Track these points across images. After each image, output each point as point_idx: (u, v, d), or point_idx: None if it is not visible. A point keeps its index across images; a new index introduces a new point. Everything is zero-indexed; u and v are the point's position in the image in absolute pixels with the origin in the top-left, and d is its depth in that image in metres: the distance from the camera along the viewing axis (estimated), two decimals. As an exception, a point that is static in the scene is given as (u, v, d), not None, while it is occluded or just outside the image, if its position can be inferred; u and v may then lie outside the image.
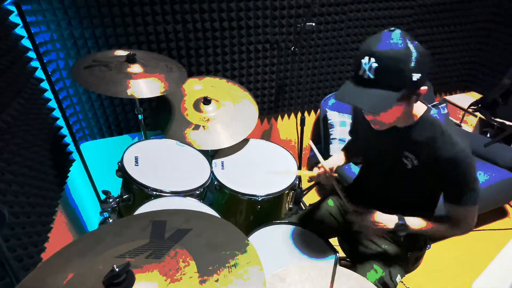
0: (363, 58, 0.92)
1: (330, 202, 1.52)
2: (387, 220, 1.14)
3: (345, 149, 1.48)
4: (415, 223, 1.14)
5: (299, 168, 2.01)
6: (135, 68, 1.46)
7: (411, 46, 0.90)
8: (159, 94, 1.42)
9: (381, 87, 0.91)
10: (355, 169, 2.15)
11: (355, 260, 1.36)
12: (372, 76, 0.91)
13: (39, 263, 1.23)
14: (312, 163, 2.69)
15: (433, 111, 1.08)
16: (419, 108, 1.07)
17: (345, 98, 0.97)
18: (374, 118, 1.05)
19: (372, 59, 0.90)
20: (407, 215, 1.16)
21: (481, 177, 2.13)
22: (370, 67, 0.91)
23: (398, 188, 1.22)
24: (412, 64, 0.89)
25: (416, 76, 0.91)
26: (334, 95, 2.37)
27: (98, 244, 0.80)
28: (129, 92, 1.37)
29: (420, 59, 0.90)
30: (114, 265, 0.64)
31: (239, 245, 0.77)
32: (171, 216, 0.88)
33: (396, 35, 0.91)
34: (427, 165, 1.07)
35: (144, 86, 1.41)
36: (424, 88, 0.96)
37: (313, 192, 2.67)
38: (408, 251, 1.31)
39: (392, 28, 0.93)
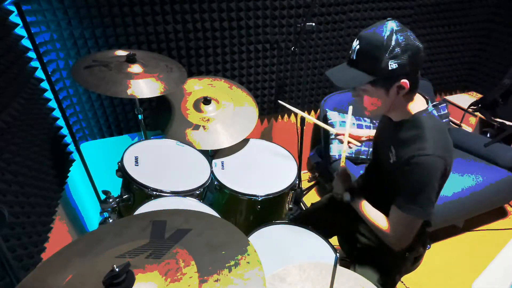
0: (355, 41, 1.01)
1: (330, 201, 1.53)
2: (341, 186, 1.28)
3: None
4: (368, 209, 1.19)
5: (300, 169, 2.01)
6: (135, 68, 1.46)
7: (395, 37, 0.94)
8: (159, 94, 1.42)
9: (358, 68, 1.00)
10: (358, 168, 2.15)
11: (355, 260, 1.36)
12: (354, 57, 1.01)
13: (39, 263, 1.23)
14: (312, 163, 2.69)
15: (427, 112, 1.07)
16: (415, 107, 1.07)
17: (330, 73, 1.07)
18: (358, 97, 1.09)
19: (358, 42, 0.99)
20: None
21: (481, 177, 2.13)
22: (355, 49, 1.00)
23: (385, 183, 1.22)
24: (390, 54, 0.94)
25: (392, 65, 0.95)
26: (334, 95, 2.37)
27: (98, 244, 0.80)
28: (129, 92, 1.37)
29: (401, 52, 0.94)
30: (114, 265, 0.64)
31: (239, 245, 0.77)
32: (171, 216, 0.88)
33: (385, 25, 0.95)
34: (400, 164, 1.06)
35: (144, 86, 1.41)
36: (404, 81, 0.98)
37: (313, 192, 2.67)
38: (407, 251, 1.31)
39: (389, 19, 0.98)
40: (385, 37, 0.93)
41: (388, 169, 1.15)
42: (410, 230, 1.09)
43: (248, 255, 0.73)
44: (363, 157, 2.19)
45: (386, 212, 1.16)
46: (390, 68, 0.95)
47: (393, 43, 0.93)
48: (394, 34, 0.93)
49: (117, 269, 0.64)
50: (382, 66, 0.95)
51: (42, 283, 0.72)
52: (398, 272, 1.27)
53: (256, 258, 0.73)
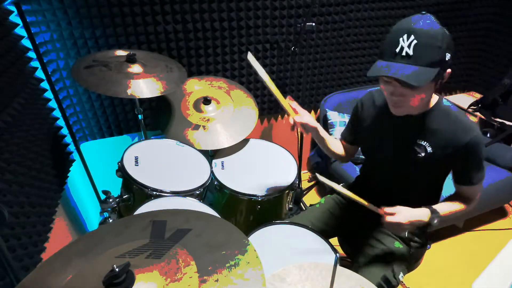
0: (401, 36, 0.96)
1: (331, 201, 1.52)
2: (419, 216, 1.12)
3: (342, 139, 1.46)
4: (443, 208, 1.17)
5: (300, 169, 2.01)
6: (135, 68, 1.46)
7: (442, 27, 0.97)
8: (159, 94, 1.42)
9: (419, 63, 0.95)
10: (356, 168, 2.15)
11: (355, 260, 1.36)
12: (411, 53, 0.95)
13: (39, 263, 1.23)
14: (312, 163, 2.69)
15: (444, 100, 1.13)
16: (433, 97, 1.11)
17: (382, 72, 0.98)
18: (401, 98, 1.04)
19: (412, 37, 0.95)
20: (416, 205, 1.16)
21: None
22: (410, 44, 0.95)
23: (404, 180, 1.23)
24: (447, 43, 0.96)
25: (448, 56, 0.97)
26: (334, 95, 2.37)
27: (98, 244, 0.80)
28: (129, 92, 1.37)
29: (451, 40, 0.98)
30: (114, 265, 0.64)
31: (239, 245, 0.77)
32: (171, 216, 0.88)
33: (431, 17, 0.97)
34: (443, 152, 1.11)
35: (144, 86, 1.41)
36: (449, 70, 1.01)
37: (313, 192, 2.67)
38: (411, 248, 1.31)
39: (424, 12, 0.99)
40: (439, 28, 0.96)
41: (416, 164, 1.16)
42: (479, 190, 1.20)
43: (248, 255, 0.73)
44: (363, 157, 2.19)
45: (410, 204, 1.14)
46: (447, 59, 0.97)
47: (446, 33, 0.96)
48: (440, 24, 0.97)
49: (117, 269, 0.64)
50: (443, 58, 0.96)
51: (42, 283, 0.72)
52: (401, 270, 1.27)
53: (256, 258, 0.73)
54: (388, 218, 1.10)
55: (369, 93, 1.31)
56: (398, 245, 1.30)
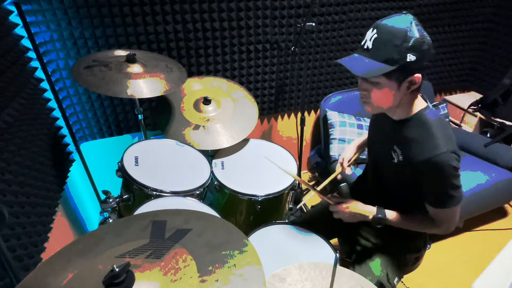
0: (369, 30, 0.98)
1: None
2: (364, 211, 1.18)
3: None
4: (396, 217, 1.16)
5: (300, 169, 2.01)
6: (135, 68, 1.46)
7: (415, 29, 0.94)
8: (159, 94, 1.42)
9: (374, 57, 0.96)
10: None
11: (355, 260, 1.36)
12: (370, 46, 0.97)
13: (39, 263, 1.23)
14: (312, 163, 2.69)
15: (430, 111, 1.08)
16: (417, 105, 1.08)
17: (344, 61, 1.02)
18: (364, 93, 1.06)
19: (375, 31, 0.96)
20: (400, 210, 1.17)
21: (481, 177, 2.13)
22: (371, 38, 0.97)
23: (388, 183, 1.22)
24: (409, 44, 0.93)
25: (410, 57, 0.94)
26: (334, 95, 2.37)
27: (98, 244, 0.80)
28: (129, 92, 1.37)
29: (419, 43, 0.93)
30: (114, 265, 0.64)
31: (239, 245, 0.77)
32: (171, 216, 0.88)
33: (404, 17, 0.95)
34: (410, 163, 1.07)
35: (144, 86, 1.41)
36: (418, 75, 0.97)
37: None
38: (407, 253, 1.31)
39: (405, 12, 0.98)
40: (406, 27, 0.93)
41: (392, 169, 1.15)
42: (456, 216, 1.12)
43: (248, 255, 0.73)
44: (363, 157, 2.19)
45: (392, 208, 1.17)
46: (408, 60, 0.94)
47: (413, 34, 0.93)
48: (413, 25, 0.94)
49: (117, 269, 0.64)
50: (400, 57, 0.93)
51: (42, 283, 0.72)
52: (398, 272, 1.27)
53: (256, 257, 0.73)
54: (331, 208, 1.21)
55: None
56: (394, 250, 1.29)
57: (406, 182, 1.14)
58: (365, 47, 0.98)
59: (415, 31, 0.93)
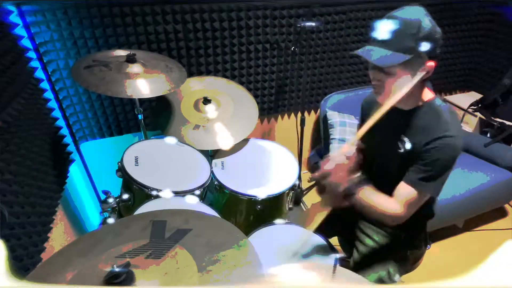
0: (383, 22, 0.99)
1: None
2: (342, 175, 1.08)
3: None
4: (368, 194, 1.10)
5: (300, 169, 2.01)
6: (135, 68, 1.46)
7: (427, 19, 0.97)
8: (159, 95, 1.42)
9: (391, 47, 0.98)
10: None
11: (352, 259, 1.36)
12: (385, 37, 0.98)
13: (39, 263, 1.23)
14: (312, 163, 2.69)
15: (438, 100, 1.10)
16: (427, 94, 1.10)
17: (361, 52, 1.02)
18: (377, 83, 1.06)
19: (390, 21, 0.98)
20: None
21: (481, 177, 2.13)
22: (387, 29, 0.98)
23: (391, 176, 1.19)
24: (424, 33, 0.95)
25: (425, 46, 0.96)
26: (334, 95, 2.37)
27: (98, 244, 0.80)
28: (129, 92, 1.37)
29: (432, 32, 0.97)
30: (114, 265, 0.64)
31: (238, 245, 0.77)
32: (171, 216, 0.88)
33: (417, 8, 0.98)
34: (418, 148, 1.07)
35: (144, 86, 1.41)
36: (431, 64, 0.99)
37: (313, 192, 2.67)
38: (408, 250, 1.31)
39: (416, 4, 0.99)
40: (420, 17, 0.96)
41: (397, 160, 1.14)
42: (417, 207, 1.10)
43: (247, 254, 0.74)
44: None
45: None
46: (423, 49, 0.96)
47: (427, 24, 0.96)
48: (425, 15, 0.96)
49: (117, 269, 0.64)
50: (417, 46, 0.96)
51: (42, 283, 0.72)
52: (398, 272, 1.27)
53: (255, 258, 0.73)
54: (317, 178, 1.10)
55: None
56: (395, 247, 1.30)
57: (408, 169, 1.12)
58: (380, 38, 1.00)
59: (428, 21, 0.96)
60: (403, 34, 0.96)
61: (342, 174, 1.08)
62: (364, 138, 1.34)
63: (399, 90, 1.03)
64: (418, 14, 0.97)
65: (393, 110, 1.12)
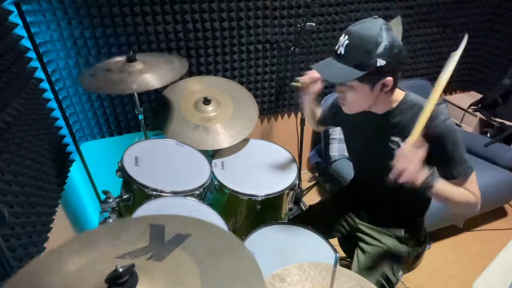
0: (342, 36, 1.00)
1: (330, 201, 1.53)
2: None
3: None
4: (444, 187, 1.04)
5: (300, 169, 2.01)
6: (137, 66, 1.47)
7: (384, 34, 0.95)
8: (168, 83, 1.45)
9: (347, 62, 0.99)
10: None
11: (354, 259, 1.36)
12: (343, 52, 0.99)
13: (32, 259, 1.23)
14: (312, 163, 2.69)
15: (411, 93, 1.11)
16: (398, 95, 1.10)
17: (318, 66, 1.07)
18: (340, 95, 1.09)
19: (347, 36, 0.98)
20: (400, 211, 1.15)
21: (481, 177, 2.12)
22: (343, 43, 0.99)
23: (385, 179, 1.18)
24: (379, 50, 0.94)
25: (380, 62, 0.95)
26: (334, 94, 2.37)
27: (98, 244, 0.80)
28: (134, 86, 1.38)
29: (389, 48, 0.95)
30: (118, 265, 0.64)
31: (238, 249, 0.77)
32: (169, 221, 0.87)
33: (374, 22, 0.97)
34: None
35: (152, 78, 1.43)
36: (390, 78, 0.99)
37: (313, 192, 2.67)
38: (409, 246, 1.31)
39: (376, 17, 0.99)
40: (376, 33, 0.94)
41: (393, 160, 1.10)
42: (477, 182, 1.09)
43: (247, 258, 0.73)
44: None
45: (393, 204, 1.15)
46: (378, 65, 0.95)
47: (382, 40, 0.94)
48: (383, 31, 0.95)
49: (120, 269, 0.64)
50: (371, 62, 0.95)
51: (41, 282, 0.71)
52: (401, 268, 1.28)
53: (254, 263, 0.72)
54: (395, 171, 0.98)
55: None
56: (396, 244, 1.30)
57: None
58: (338, 52, 1.01)
59: (385, 36, 0.94)
60: (359, 50, 0.96)
61: (416, 167, 0.97)
62: (346, 139, 1.36)
63: (359, 102, 1.06)
64: (375, 30, 0.95)
65: (367, 113, 1.12)
